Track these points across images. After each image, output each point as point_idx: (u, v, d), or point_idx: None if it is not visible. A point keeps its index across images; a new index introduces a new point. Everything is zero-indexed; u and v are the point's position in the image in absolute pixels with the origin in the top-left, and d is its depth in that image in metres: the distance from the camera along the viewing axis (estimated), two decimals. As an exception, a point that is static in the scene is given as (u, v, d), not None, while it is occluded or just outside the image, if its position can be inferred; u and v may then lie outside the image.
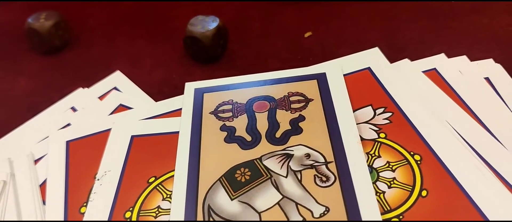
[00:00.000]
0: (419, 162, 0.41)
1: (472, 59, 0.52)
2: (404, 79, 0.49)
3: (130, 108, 0.52)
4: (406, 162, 0.41)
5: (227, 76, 0.53)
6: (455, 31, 0.57)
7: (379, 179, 0.41)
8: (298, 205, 0.38)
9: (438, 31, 0.58)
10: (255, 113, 0.47)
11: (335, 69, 0.51)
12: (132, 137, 0.47)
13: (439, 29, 0.58)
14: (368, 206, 0.37)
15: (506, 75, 0.50)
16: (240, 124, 0.46)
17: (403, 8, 0.62)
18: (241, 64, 0.57)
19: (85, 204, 0.42)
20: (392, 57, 0.53)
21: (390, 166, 0.41)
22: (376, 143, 0.43)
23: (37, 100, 0.55)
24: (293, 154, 0.43)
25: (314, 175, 0.41)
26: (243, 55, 0.59)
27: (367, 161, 0.42)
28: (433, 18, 0.60)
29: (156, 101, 0.53)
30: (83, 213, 0.41)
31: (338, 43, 0.58)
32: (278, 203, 0.39)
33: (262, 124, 0.46)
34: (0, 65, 0.61)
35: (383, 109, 0.46)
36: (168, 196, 0.41)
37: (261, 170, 0.42)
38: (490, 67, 0.51)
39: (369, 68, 0.51)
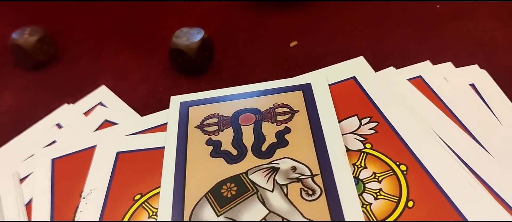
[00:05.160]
0: (405, 172, 0.41)
1: (457, 65, 0.52)
2: (389, 87, 0.49)
3: (115, 123, 0.51)
4: (392, 173, 0.41)
5: (213, 88, 0.53)
6: (441, 37, 0.57)
7: (366, 191, 0.40)
8: (284, 220, 0.38)
9: (424, 38, 0.58)
10: (241, 126, 0.47)
11: (320, 79, 0.51)
12: (118, 153, 0.47)
13: (425, 35, 0.58)
14: (354, 220, 0.37)
15: (491, 81, 0.50)
16: (226, 137, 0.46)
17: (390, 16, 0.62)
18: (227, 75, 0.57)
19: (70, 223, 0.42)
20: (378, 65, 0.53)
21: (376, 177, 0.41)
22: (362, 153, 0.43)
23: (22, 117, 0.55)
24: (279, 168, 0.42)
25: (300, 189, 0.40)
26: (230, 66, 0.58)
27: (353, 173, 0.42)
28: (419, 25, 0.60)
29: (142, 115, 0.52)
30: (69, 233, 0.41)
31: (324, 52, 0.58)
32: (264, 218, 0.39)
33: (248, 137, 0.46)
34: (-15, 82, 0.61)
35: (368, 119, 0.46)
36: (154, 213, 0.41)
37: (247, 184, 0.41)
38: (475, 73, 0.51)
39: (354, 78, 0.51)
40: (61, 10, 0.74)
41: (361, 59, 0.53)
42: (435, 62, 0.53)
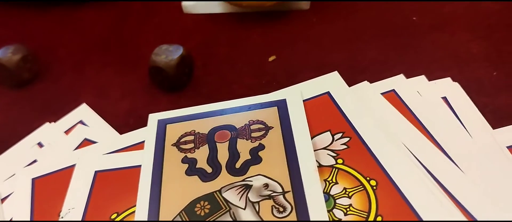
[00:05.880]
0: (374, 187, 0.42)
1: (431, 78, 0.53)
2: (362, 102, 0.50)
3: (95, 142, 0.52)
4: (362, 188, 0.42)
5: (193, 104, 0.54)
6: (416, 50, 0.58)
7: (336, 207, 0.41)
8: (255, 238, 0.39)
9: (399, 51, 0.59)
10: (217, 143, 0.48)
11: (295, 95, 0.51)
12: (96, 172, 0.48)
13: (400, 48, 0.59)
14: (322, 237, 0.38)
15: (463, 94, 0.50)
16: (201, 155, 0.47)
17: (366, 29, 0.63)
18: (207, 91, 0.58)
19: (48, 244, 0.42)
20: (353, 79, 0.53)
21: (347, 193, 0.42)
22: (334, 169, 0.44)
23: (4, 136, 0.55)
24: (252, 185, 0.43)
25: (272, 206, 0.41)
26: (209, 81, 0.59)
27: (324, 188, 0.43)
28: (394, 37, 0.61)
29: (122, 132, 0.53)
30: (46, 254, 0.42)
31: (302, 67, 0.59)
32: (235, 236, 0.40)
33: (223, 155, 0.47)
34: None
35: (341, 134, 0.47)
36: (130, 232, 0.42)
37: (220, 202, 0.42)
38: (447, 86, 0.52)
39: (328, 93, 0.52)
40: (42, 28, 0.74)
41: (335, 74, 0.54)
42: (409, 75, 0.54)
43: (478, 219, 0.39)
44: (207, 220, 0.41)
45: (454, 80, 0.52)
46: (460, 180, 0.42)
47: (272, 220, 0.40)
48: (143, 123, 0.53)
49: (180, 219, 0.41)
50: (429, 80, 0.53)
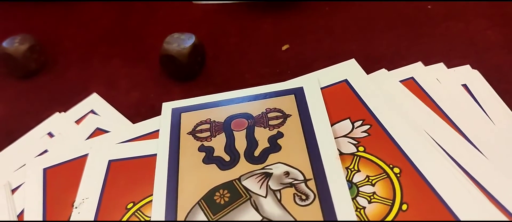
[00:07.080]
0: (398, 175, 0.41)
1: (449, 65, 0.52)
2: (381, 90, 0.49)
3: (107, 131, 0.51)
4: (386, 176, 0.41)
5: (205, 93, 0.53)
6: (432, 38, 0.57)
7: (359, 194, 0.40)
8: (278, 226, 0.38)
9: (415, 39, 0.58)
10: (233, 131, 0.47)
11: (312, 83, 0.50)
12: (110, 162, 0.46)
13: (416, 36, 0.58)
14: (347, 224, 0.37)
15: (483, 81, 0.50)
16: (218, 143, 0.46)
17: (379, 17, 0.62)
18: (219, 81, 0.57)
19: (62, 234, 0.41)
20: (370, 68, 0.52)
21: (370, 181, 0.41)
22: (355, 157, 0.43)
23: (13, 127, 0.54)
24: (272, 173, 0.42)
25: (294, 194, 0.40)
26: (221, 71, 0.58)
27: (346, 176, 0.42)
28: (409, 26, 0.60)
29: (133, 122, 0.52)
30: (61, 244, 0.40)
31: (315, 56, 0.58)
32: (258, 224, 0.39)
33: (241, 143, 0.46)
34: (-25, 93, 0.61)
35: (361, 121, 0.46)
36: (147, 222, 0.41)
37: (240, 191, 0.41)
38: (467, 73, 0.51)
39: (346, 80, 0.51)
40: (48, 18, 0.73)
41: (352, 62, 0.53)
42: (427, 63, 0.53)
43: (504, 205, 0.38)
44: (228, 208, 0.40)
45: (472, 68, 0.51)
46: (485, 166, 0.41)
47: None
48: (155, 113, 0.52)
49: (200, 208, 0.40)
50: (448, 68, 0.52)
